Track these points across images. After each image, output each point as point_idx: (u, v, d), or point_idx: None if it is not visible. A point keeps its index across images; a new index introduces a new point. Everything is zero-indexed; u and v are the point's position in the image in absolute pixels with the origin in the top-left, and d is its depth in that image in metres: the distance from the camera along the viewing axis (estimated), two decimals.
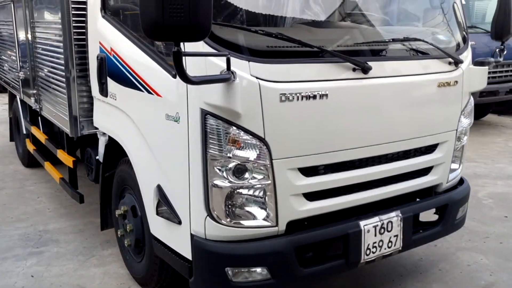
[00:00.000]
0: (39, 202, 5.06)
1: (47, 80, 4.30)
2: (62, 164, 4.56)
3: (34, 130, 5.26)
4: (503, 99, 8.58)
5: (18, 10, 4.96)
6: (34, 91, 4.77)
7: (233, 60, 2.23)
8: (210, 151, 2.38)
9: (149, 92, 2.73)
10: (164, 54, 2.62)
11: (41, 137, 4.99)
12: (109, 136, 3.45)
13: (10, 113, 6.77)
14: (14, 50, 5.35)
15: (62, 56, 3.68)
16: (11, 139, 6.84)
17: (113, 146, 3.42)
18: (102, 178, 3.63)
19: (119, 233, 3.53)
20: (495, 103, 9.03)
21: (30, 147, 5.52)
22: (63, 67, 3.70)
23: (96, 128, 3.66)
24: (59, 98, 3.96)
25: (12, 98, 6.53)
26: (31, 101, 4.92)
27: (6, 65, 6.11)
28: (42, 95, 4.58)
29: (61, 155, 4.38)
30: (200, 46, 2.25)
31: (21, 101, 5.71)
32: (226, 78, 2.19)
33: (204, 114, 2.35)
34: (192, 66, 2.28)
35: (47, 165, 4.93)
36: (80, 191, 4.27)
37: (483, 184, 5.69)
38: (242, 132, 2.36)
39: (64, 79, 3.72)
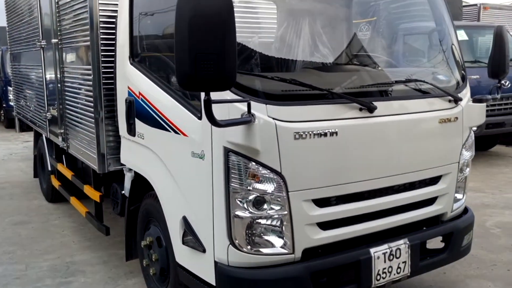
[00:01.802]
0: (64, 236, 5.30)
1: (75, 120, 4.60)
2: (86, 199, 4.82)
3: (60, 167, 5.55)
4: (509, 130, 8.78)
5: (47, 56, 5.32)
6: (62, 130, 5.08)
7: (252, 103, 2.51)
8: (232, 184, 2.63)
9: (175, 132, 3.01)
10: (190, 98, 2.90)
11: (67, 173, 5.26)
12: (135, 172, 3.72)
13: (34, 151, 7.08)
14: (42, 93, 5.68)
15: (92, 99, 3.98)
16: (35, 176, 7.13)
17: (139, 181, 3.68)
18: (127, 211, 3.87)
19: (144, 263, 3.74)
20: (502, 134, 9.24)
21: (56, 183, 5.80)
22: (92, 109, 4.00)
23: (122, 165, 3.93)
24: (87, 137, 4.25)
25: (37, 136, 6.86)
26: (58, 140, 5.22)
27: (32, 106, 6.45)
28: (70, 134, 4.88)
29: (88, 190, 4.63)
30: (224, 93, 2.51)
31: (47, 139, 6.03)
32: (248, 120, 2.48)
33: (227, 151, 2.61)
34: (217, 110, 2.51)
35: (73, 199, 5.19)
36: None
37: (491, 213, 5.84)
38: (261, 167, 2.62)
39: (93, 120, 4.01)
